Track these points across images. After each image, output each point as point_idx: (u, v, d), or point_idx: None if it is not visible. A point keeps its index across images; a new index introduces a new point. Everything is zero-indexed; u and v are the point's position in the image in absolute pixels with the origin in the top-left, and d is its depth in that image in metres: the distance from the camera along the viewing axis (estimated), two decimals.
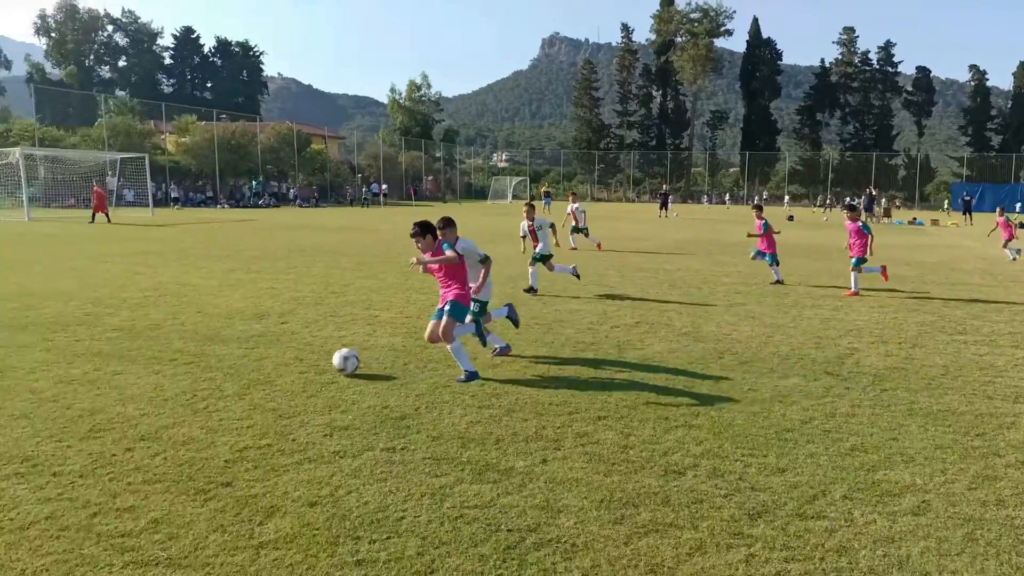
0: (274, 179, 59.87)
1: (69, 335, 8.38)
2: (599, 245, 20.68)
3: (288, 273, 14.32)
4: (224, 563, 3.47)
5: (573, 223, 21.22)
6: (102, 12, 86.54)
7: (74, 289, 11.78)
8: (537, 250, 12.66)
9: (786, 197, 74.24)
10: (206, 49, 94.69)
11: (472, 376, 6.71)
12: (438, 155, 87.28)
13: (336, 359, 6.86)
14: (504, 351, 7.64)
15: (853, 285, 12.61)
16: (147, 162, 38.12)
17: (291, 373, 6.93)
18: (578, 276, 12.75)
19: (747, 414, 5.82)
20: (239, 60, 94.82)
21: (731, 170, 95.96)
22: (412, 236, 6.96)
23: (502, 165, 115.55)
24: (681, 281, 13.93)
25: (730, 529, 3.89)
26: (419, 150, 78.40)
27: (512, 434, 5.27)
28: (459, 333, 6.99)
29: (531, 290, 12.17)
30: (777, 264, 13.90)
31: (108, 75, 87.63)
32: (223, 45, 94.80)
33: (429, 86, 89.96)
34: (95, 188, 30.54)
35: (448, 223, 7.35)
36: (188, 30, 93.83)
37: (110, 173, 42.55)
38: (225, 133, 54.30)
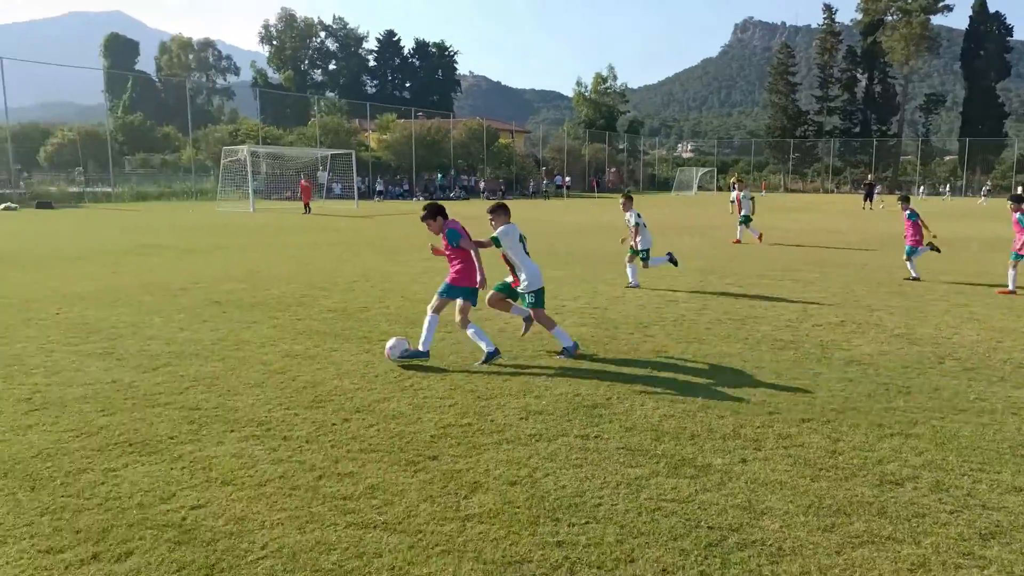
0: (464, 173, 62.39)
1: (291, 314, 9.22)
2: (760, 236, 19.67)
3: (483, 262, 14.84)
4: (434, 531, 3.67)
5: (740, 212, 20.29)
6: (316, 20, 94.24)
7: (293, 273, 12.96)
8: (638, 245, 12.09)
9: (1019, 188, 66.26)
10: (406, 51, 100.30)
11: (492, 356, 6.79)
12: (621, 147, 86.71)
13: (391, 345, 6.85)
14: (571, 351, 7.21)
15: (1010, 283, 11.40)
16: (353, 158, 41.08)
17: (470, 354, 7.18)
18: (675, 263, 12.30)
19: (975, 425, 5.28)
20: (435, 60, 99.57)
21: (947, 158, 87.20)
22: (422, 219, 7.28)
23: (687, 156, 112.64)
24: (889, 279, 12.87)
25: (958, 548, 3.55)
26: (602, 142, 78.31)
27: (708, 430, 5.14)
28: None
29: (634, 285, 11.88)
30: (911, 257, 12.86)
31: (320, 78, 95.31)
32: (421, 46, 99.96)
33: (615, 78, 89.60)
34: (302, 181, 33.55)
35: (496, 208, 7.48)
36: (390, 33, 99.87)
37: (321, 168, 46.41)
38: (421, 130, 57.31)
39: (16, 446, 4.75)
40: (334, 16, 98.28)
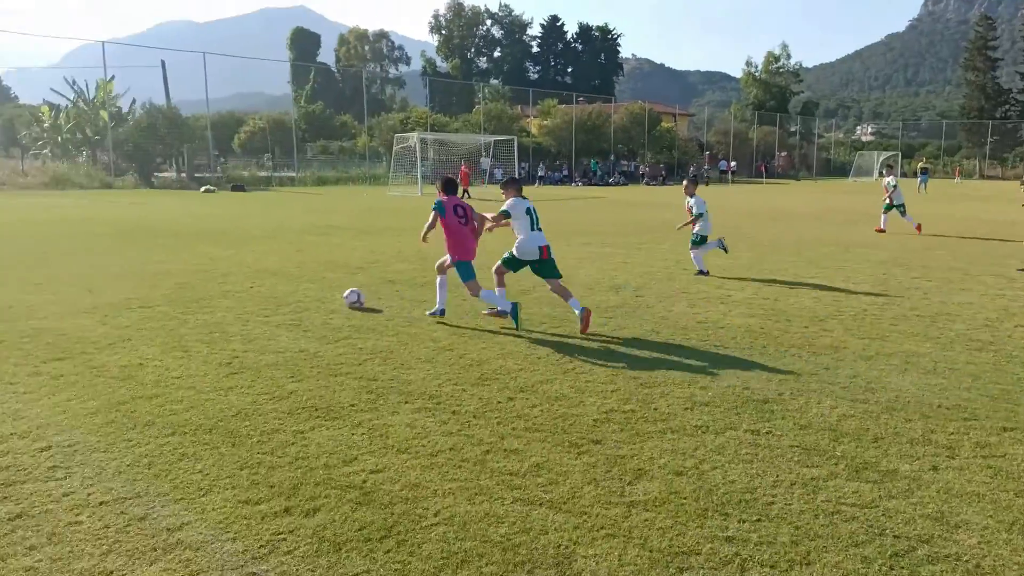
0: (624, 158, 61.70)
1: (458, 295, 9.54)
2: (919, 227, 17.85)
3: (639, 249, 14.67)
4: (599, 514, 3.68)
5: (887, 200, 18.58)
6: (483, 8, 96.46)
7: None
8: (695, 230, 11.58)
9: None
10: (569, 36, 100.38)
11: (504, 312, 7.69)
12: (793, 129, 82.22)
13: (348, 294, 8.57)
14: (500, 313, 7.85)
15: None
16: (515, 144, 41.75)
17: (649, 344, 7.09)
18: (726, 249, 11.90)
19: None
20: (598, 44, 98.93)
21: None
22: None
23: (867, 139, 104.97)
24: None
25: None
26: (772, 124, 74.60)
27: (893, 433, 4.78)
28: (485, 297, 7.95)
29: (702, 272, 11.42)
30: None
31: (485, 65, 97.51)
32: (584, 31, 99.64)
33: (788, 56, 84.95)
34: (462, 167, 34.53)
35: (508, 184, 8.33)
36: (554, 18, 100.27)
37: (484, 155, 47.57)
38: (582, 115, 57.23)
39: (219, 405, 5.25)
40: (500, 3, 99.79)
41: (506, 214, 7.99)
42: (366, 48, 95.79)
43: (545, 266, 8.05)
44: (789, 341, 7.24)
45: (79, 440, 4.57)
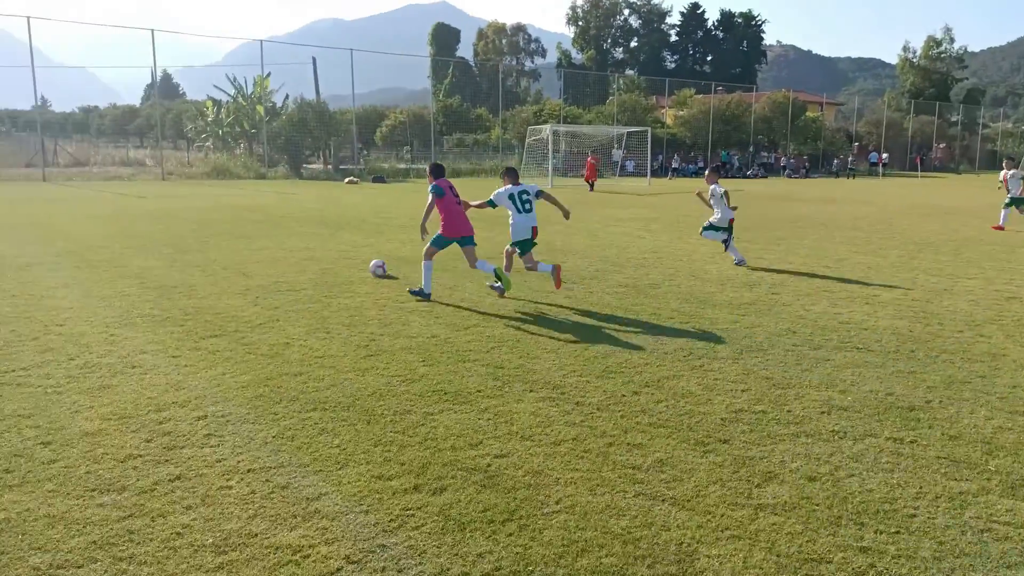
0: (764, 149, 59.26)
1: (584, 287, 9.55)
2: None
3: (778, 244, 14.09)
4: (724, 515, 3.60)
5: (1007, 193, 16.82)
6: None
7: (587, 248, 13.38)
8: (713, 220, 11.57)
9: None
10: (710, 23, 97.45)
11: (421, 294, 8.67)
12: (954, 119, 76.04)
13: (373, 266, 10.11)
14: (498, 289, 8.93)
15: None
16: (648, 135, 41.07)
17: (784, 344, 6.82)
18: (728, 246, 11.56)
19: None
20: (740, 31, 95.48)
21: None
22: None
23: None
24: None
25: None
26: (931, 114, 69.30)
27: None
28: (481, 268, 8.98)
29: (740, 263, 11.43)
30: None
31: (621, 56, 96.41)
32: (726, 18, 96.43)
33: (951, 40, 78.66)
34: (589, 159, 34.19)
35: (505, 172, 9.35)
36: (695, 6, 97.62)
37: (616, 146, 47.11)
38: (720, 105, 55.45)
39: (356, 385, 5.53)
40: None
41: (491, 203, 9.16)
42: (503, 42, 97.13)
43: (530, 244, 9.13)
44: (941, 346, 6.75)
45: (231, 411, 4.96)
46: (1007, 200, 17.28)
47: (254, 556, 3.23)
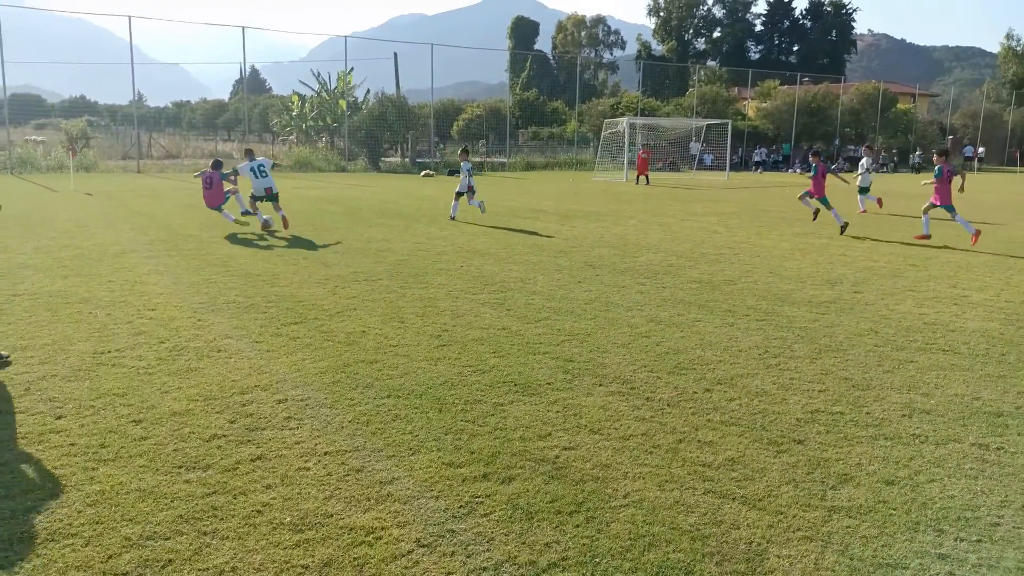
0: (851, 142, 57.11)
1: (657, 282, 9.45)
2: None
3: (861, 241, 13.61)
4: (796, 516, 3.54)
5: None
6: None
7: (661, 242, 13.22)
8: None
9: None
10: (797, 12, 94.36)
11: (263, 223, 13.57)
12: None
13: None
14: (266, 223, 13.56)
15: None
16: (729, 128, 40.17)
17: (865, 344, 6.61)
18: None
19: None
20: (829, 20, 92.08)
21: None
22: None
23: None
24: None
25: None
26: None
27: None
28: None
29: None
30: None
31: (702, 47, 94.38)
32: (815, 6, 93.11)
33: None
34: (640, 152, 33.57)
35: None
36: None
37: (694, 139, 46.27)
38: (806, 96, 53.72)
39: (429, 374, 5.65)
40: None
41: (235, 172, 14.44)
42: (582, 34, 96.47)
43: (266, 198, 13.90)
44: None
45: (310, 396, 5.14)
46: None
47: (329, 535, 3.36)
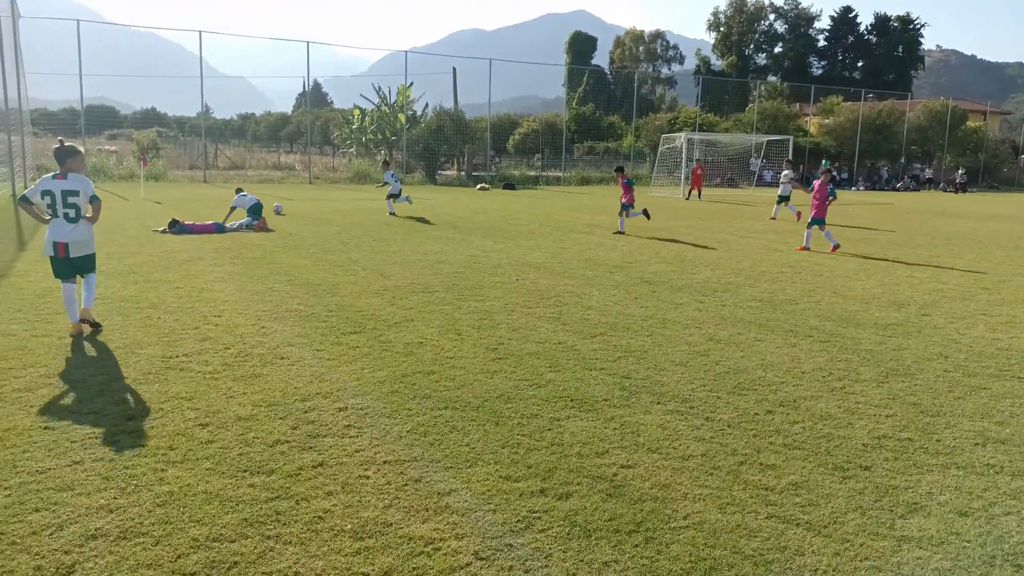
0: (917, 161, 55.51)
1: (716, 300, 9.31)
2: None
3: (929, 262, 13.19)
4: (864, 544, 3.43)
5: None
6: (767, 3, 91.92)
7: (719, 259, 13.03)
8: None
9: None
10: (862, 28, 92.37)
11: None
12: None
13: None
14: None
15: None
16: (790, 144, 39.48)
17: (934, 369, 6.39)
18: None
19: None
20: (896, 35, 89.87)
21: None
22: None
23: None
24: None
25: None
26: None
27: None
28: None
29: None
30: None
31: (763, 62, 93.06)
32: (881, 21, 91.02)
33: None
34: (695, 167, 33.22)
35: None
36: (846, 10, 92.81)
37: (754, 156, 45.57)
38: (870, 113, 52.48)
39: (485, 386, 5.67)
40: None
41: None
42: (640, 49, 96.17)
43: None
44: None
45: (369, 405, 5.21)
46: None
47: (389, 544, 3.39)
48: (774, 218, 22.07)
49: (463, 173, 44.50)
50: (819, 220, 14.54)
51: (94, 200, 7.10)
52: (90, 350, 6.41)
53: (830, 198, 15.29)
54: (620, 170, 17.75)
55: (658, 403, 5.36)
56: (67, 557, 3.22)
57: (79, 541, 3.35)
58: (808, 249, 14.47)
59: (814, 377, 6.08)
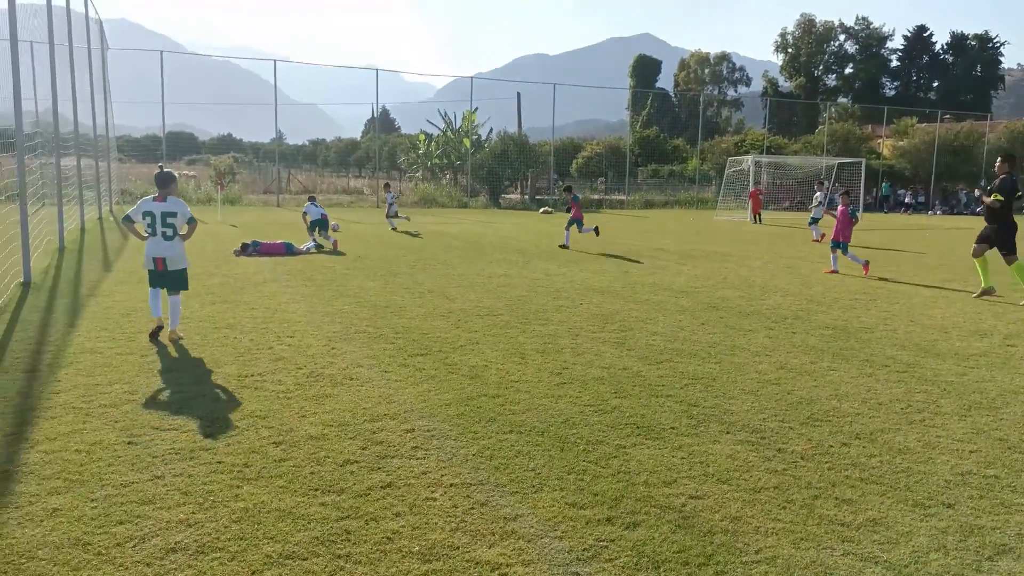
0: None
1: (786, 327, 9.10)
2: None
3: (1012, 290, 12.61)
4: None
5: None
6: (836, 23, 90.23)
7: (789, 285, 12.74)
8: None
9: None
10: (937, 47, 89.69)
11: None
12: None
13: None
14: None
15: None
16: (862, 167, 38.45)
17: (1021, 403, 6.09)
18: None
19: None
20: (974, 55, 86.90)
21: None
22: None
23: None
24: None
25: None
26: None
27: None
28: None
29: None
30: None
31: (833, 83, 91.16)
32: (958, 40, 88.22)
33: None
34: (753, 190, 32.68)
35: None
36: (920, 29, 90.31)
37: (824, 178, 44.48)
38: (947, 135, 50.73)
39: (550, 411, 5.66)
40: (857, 16, 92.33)
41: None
42: (706, 71, 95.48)
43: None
44: None
45: (436, 427, 5.26)
46: None
47: (456, 568, 3.40)
48: (817, 240, 22.40)
49: (526, 197, 44.74)
50: (843, 244, 14.71)
51: (192, 221, 7.80)
52: (171, 368, 6.67)
53: (853, 220, 15.25)
54: (568, 189, 21.12)
55: (727, 432, 5.25)
56: (148, 569, 3.34)
57: (160, 554, 3.47)
58: (837, 272, 14.56)
59: (891, 409, 5.87)
